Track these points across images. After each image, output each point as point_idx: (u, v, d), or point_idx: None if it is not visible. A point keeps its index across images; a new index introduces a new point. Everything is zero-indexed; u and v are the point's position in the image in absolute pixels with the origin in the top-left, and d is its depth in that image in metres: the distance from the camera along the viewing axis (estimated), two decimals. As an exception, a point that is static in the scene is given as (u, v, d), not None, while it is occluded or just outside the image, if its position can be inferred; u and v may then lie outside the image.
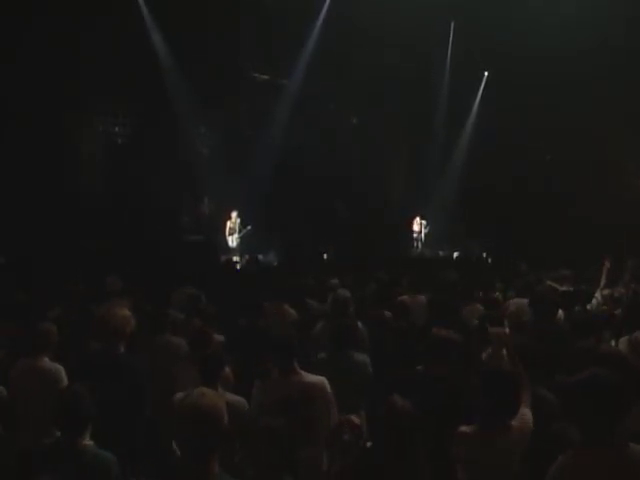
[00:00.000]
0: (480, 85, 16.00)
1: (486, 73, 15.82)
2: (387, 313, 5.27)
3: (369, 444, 2.76)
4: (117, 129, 12.98)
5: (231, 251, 12.56)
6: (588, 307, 5.79)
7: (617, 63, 12.38)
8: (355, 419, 2.98)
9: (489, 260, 11.66)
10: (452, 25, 14.76)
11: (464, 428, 2.83)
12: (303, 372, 3.31)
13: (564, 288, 6.46)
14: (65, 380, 3.66)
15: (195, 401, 2.13)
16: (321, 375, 3.40)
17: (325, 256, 11.56)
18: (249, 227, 12.73)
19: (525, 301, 5.71)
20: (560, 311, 5.20)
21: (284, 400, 2.94)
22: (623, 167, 15.08)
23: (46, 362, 3.77)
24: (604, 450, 2.24)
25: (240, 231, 12.79)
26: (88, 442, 2.70)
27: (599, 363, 2.79)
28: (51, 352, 3.83)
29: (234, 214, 12.78)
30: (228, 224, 12.82)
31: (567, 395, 2.43)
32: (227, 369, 3.55)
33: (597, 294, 6.23)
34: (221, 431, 2.10)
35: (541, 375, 3.21)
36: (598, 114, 13.85)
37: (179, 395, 3.20)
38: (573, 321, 4.54)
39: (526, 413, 2.85)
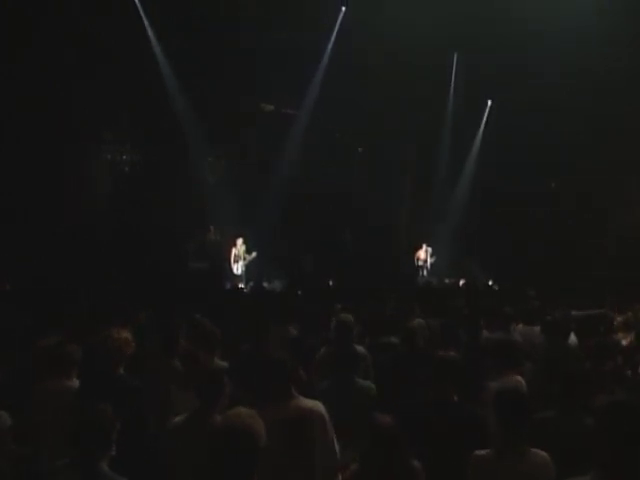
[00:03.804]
0: (484, 114, 16.17)
1: (489, 102, 16.01)
2: (393, 339, 5.20)
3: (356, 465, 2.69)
4: (125, 157, 13.14)
5: (236, 278, 12.53)
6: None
7: (620, 89, 12.48)
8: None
9: (495, 288, 11.58)
10: (455, 56, 15.07)
11: (480, 452, 2.73)
12: (301, 397, 3.22)
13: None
14: None
15: (230, 421, 2.02)
16: (324, 403, 3.29)
17: (331, 283, 11.49)
18: (254, 254, 12.72)
19: (531, 328, 5.68)
20: (572, 336, 5.15)
21: (281, 423, 2.86)
22: (629, 196, 15.03)
23: (77, 382, 3.70)
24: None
25: (245, 258, 12.78)
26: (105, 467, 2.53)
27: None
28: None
29: (239, 241, 12.79)
30: (233, 251, 12.81)
31: (599, 419, 2.31)
32: None
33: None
34: (258, 451, 1.97)
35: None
36: (602, 142, 13.90)
37: (177, 419, 3.13)
38: (589, 346, 4.46)
39: None
